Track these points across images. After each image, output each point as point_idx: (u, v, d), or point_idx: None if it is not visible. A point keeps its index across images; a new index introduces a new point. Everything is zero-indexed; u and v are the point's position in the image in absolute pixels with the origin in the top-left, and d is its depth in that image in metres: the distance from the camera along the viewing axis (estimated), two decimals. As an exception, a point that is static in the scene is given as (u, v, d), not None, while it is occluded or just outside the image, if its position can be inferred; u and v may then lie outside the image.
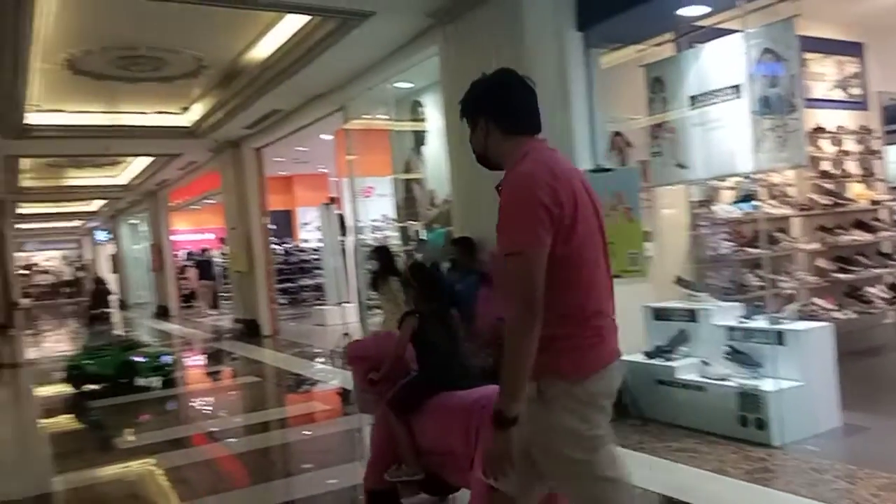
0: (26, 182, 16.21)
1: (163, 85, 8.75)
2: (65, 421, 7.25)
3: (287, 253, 16.73)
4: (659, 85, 5.40)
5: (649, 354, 5.26)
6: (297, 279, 16.73)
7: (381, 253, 6.60)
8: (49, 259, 36.40)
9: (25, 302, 27.56)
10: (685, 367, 4.99)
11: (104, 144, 11.91)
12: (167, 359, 8.62)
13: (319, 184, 17.63)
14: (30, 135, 10.22)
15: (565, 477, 2.04)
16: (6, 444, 6.40)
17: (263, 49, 7.45)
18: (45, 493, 4.67)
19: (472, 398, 3.25)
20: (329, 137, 11.64)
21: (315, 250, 17.34)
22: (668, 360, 5.11)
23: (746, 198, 6.22)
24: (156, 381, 8.31)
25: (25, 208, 21.94)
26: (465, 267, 6.14)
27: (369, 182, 11.52)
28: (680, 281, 5.56)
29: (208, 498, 4.35)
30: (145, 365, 8.33)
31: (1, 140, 10.41)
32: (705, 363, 4.92)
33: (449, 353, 3.65)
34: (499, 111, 2.08)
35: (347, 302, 10.34)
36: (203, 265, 19.51)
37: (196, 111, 10.34)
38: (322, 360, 9.60)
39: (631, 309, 5.38)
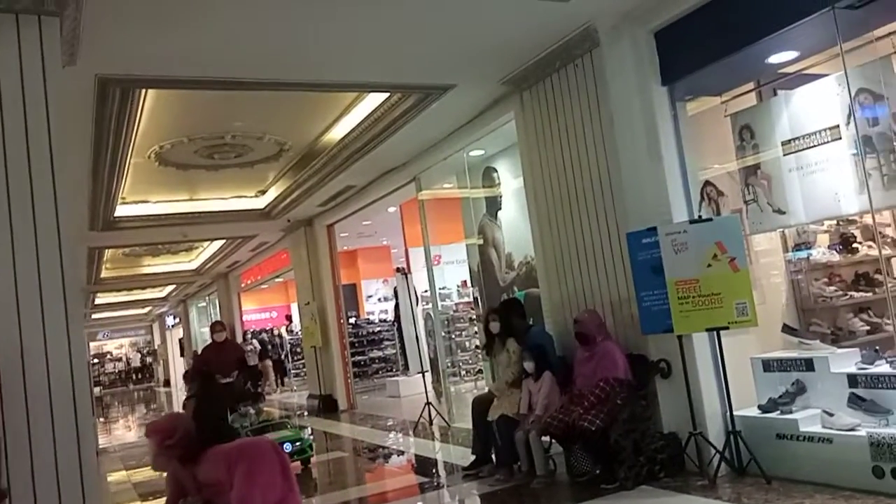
0: (104, 273, 16.86)
1: (242, 170, 9.07)
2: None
3: (355, 326, 16.86)
4: (748, 132, 5.40)
5: (764, 408, 5.08)
6: (367, 351, 16.80)
7: (509, 307, 6.49)
8: (119, 346, 37.45)
9: (97, 390, 28.26)
10: (807, 419, 4.79)
11: (182, 231, 12.37)
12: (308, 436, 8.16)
13: (383, 256, 17.92)
14: (116, 226, 10.68)
15: None
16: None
17: (342, 128, 7.70)
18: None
19: (230, 447, 4.91)
20: (393, 209, 11.88)
21: (383, 321, 17.44)
22: (787, 412, 4.92)
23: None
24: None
25: (100, 298, 22.76)
26: (513, 331, 6.15)
27: (436, 251, 11.65)
28: (787, 329, 5.40)
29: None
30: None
31: (89, 233, 10.91)
32: (828, 413, 4.71)
33: (217, 421, 5.65)
34: None
35: (426, 371, 10.31)
36: (262, 344, 19.79)
37: (271, 193, 10.68)
38: (405, 432, 9.53)
39: (737, 361, 5.24)
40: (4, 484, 2.42)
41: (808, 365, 4.97)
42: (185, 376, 5.95)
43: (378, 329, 17.18)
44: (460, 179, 8.99)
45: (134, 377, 36.08)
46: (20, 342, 3.56)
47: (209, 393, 5.90)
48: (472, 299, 10.65)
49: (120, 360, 36.97)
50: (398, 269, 12.42)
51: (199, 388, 5.92)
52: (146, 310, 31.24)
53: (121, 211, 10.03)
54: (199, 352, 11.10)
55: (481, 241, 8.95)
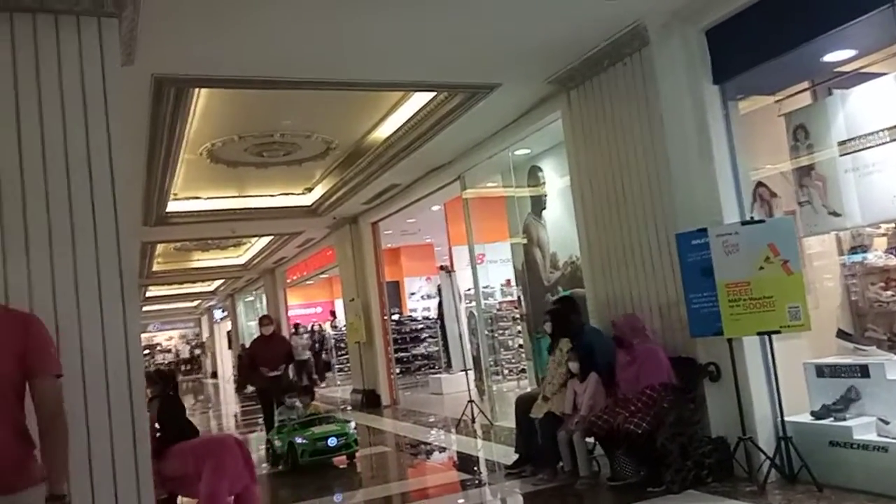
0: (156, 266, 17.30)
1: (290, 168, 9.21)
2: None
3: (398, 322, 16.97)
4: (802, 132, 5.27)
5: (817, 415, 4.95)
6: (410, 348, 16.91)
7: (562, 305, 6.38)
8: (169, 338, 38.40)
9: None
10: (861, 427, 4.66)
11: (231, 227, 12.62)
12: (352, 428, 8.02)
13: (426, 254, 17.99)
14: (167, 221, 10.95)
15: None
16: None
17: (388, 127, 7.76)
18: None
19: (196, 443, 5.59)
20: (437, 208, 11.91)
21: (426, 319, 17.51)
22: (841, 419, 4.80)
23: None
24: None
25: (151, 291, 23.36)
26: (565, 330, 6.07)
27: (480, 249, 11.65)
28: (841, 334, 5.26)
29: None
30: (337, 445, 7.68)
31: (142, 228, 11.20)
32: (884, 421, 4.58)
33: (179, 419, 6.02)
34: None
35: (469, 369, 10.32)
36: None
37: (318, 191, 10.81)
38: (447, 429, 9.57)
39: (788, 366, 5.12)
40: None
41: (864, 371, 4.83)
42: (149, 378, 6.18)
43: (421, 326, 17.27)
44: (505, 178, 8.98)
45: (182, 368, 36.94)
46: (79, 333, 3.68)
47: (170, 394, 6.28)
48: (515, 298, 10.62)
49: (169, 351, 37.92)
50: (442, 268, 12.45)
51: (161, 389, 6.21)
52: (195, 303, 31.98)
53: (172, 206, 10.27)
54: (248, 345, 11.29)
55: (525, 241, 8.92)
